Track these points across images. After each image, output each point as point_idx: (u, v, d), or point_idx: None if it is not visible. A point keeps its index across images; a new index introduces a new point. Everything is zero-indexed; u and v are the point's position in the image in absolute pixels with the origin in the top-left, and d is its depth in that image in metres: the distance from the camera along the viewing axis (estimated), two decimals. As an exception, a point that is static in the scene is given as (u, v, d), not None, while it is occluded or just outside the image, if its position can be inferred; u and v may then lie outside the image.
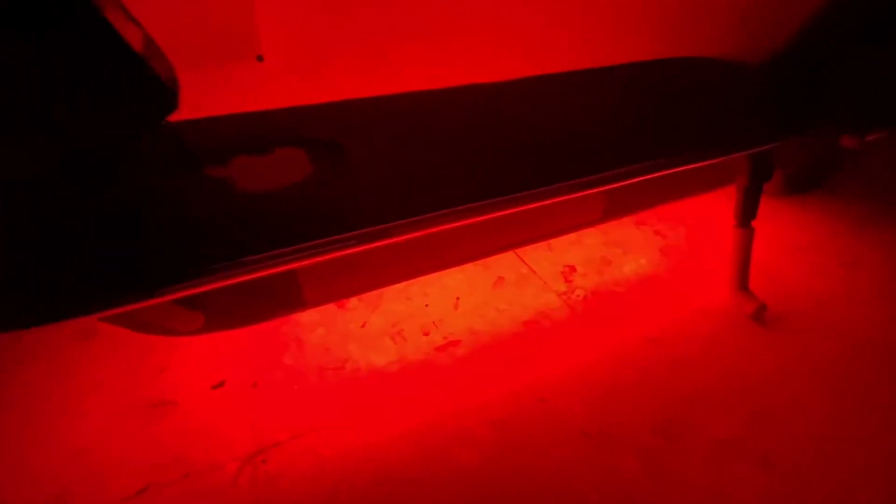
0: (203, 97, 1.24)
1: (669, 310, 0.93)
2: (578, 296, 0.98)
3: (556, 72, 1.07)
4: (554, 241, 1.13)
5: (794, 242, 1.12)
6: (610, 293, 0.99)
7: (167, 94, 0.48)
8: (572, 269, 1.06)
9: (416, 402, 0.77)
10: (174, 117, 0.53)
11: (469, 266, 1.05)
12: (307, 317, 0.93)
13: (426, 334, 0.90)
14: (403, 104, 0.85)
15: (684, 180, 0.86)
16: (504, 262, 1.07)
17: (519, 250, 1.12)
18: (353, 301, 0.97)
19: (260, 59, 1.30)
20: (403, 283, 0.92)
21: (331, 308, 0.95)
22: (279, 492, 0.65)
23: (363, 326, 0.92)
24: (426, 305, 0.96)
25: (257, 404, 0.77)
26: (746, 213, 0.89)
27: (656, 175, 0.77)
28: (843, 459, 0.68)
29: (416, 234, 0.60)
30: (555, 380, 0.79)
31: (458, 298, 0.97)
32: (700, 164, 0.78)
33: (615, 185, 0.76)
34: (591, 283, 1.02)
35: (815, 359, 0.83)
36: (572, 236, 1.14)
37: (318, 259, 0.57)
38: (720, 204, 1.24)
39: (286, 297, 0.63)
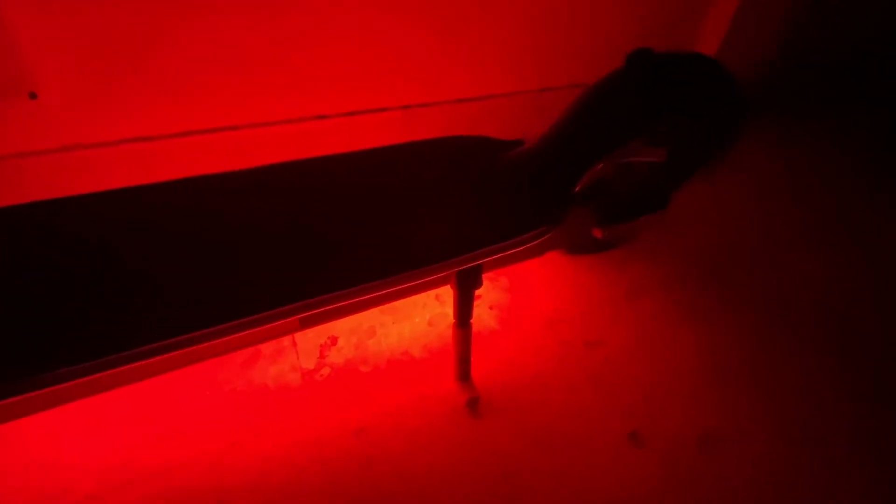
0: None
1: (396, 395, 1.00)
2: (322, 375, 1.03)
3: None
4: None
5: (558, 314, 1.20)
6: (353, 372, 1.04)
7: None
8: (334, 341, 1.10)
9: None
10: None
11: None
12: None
13: (149, 418, 0.93)
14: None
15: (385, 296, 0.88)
16: (270, 332, 1.10)
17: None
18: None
19: (33, 96, 1.22)
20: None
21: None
22: None
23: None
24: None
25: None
26: (462, 316, 0.94)
27: (340, 305, 0.79)
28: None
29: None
30: (239, 476, 0.85)
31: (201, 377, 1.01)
32: (389, 290, 0.81)
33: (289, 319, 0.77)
34: (342, 359, 1.07)
35: (493, 457, 0.92)
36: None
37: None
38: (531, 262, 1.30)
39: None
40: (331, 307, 0.77)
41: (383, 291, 0.81)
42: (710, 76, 0.94)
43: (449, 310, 1.19)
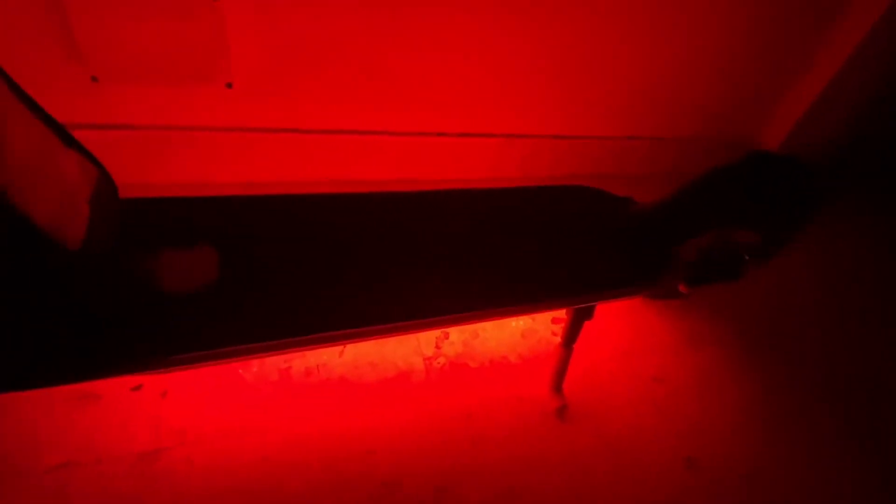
0: (171, 111, 1.43)
1: (498, 391, 1.21)
2: (439, 363, 1.25)
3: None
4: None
5: (630, 348, 1.40)
6: (463, 366, 1.26)
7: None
8: (447, 335, 1.32)
9: (265, 429, 1.05)
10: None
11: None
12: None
13: (308, 374, 1.16)
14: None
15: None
16: (394, 318, 1.32)
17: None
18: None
19: (229, 85, 1.47)
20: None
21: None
22: (163, 488, 0.92)
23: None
24: (317, 348, 1.21)
25: (162, 409, 1.03)
26: (569, 339, 1.15)
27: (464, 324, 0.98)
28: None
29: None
30: (381, 433, 1.07)
31: (344, 347, 1.23)
32: (517, 315, 1.02)
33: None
34: (454, 352, 1.28)
35: (574, 456, 1.13)
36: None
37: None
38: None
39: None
40: (468, 322, 0.98)
41: (513, 316, 1.02)
42: (806, 183, 1.12)
43: (537, 325, 1.40)
